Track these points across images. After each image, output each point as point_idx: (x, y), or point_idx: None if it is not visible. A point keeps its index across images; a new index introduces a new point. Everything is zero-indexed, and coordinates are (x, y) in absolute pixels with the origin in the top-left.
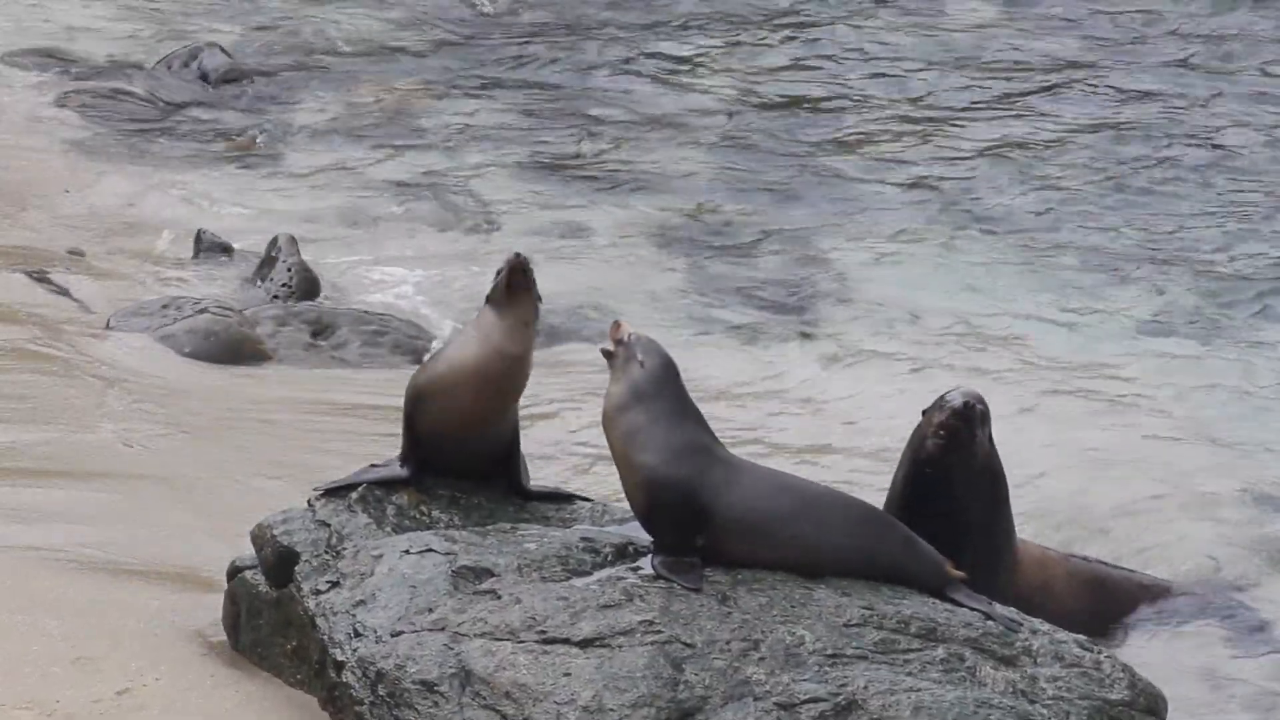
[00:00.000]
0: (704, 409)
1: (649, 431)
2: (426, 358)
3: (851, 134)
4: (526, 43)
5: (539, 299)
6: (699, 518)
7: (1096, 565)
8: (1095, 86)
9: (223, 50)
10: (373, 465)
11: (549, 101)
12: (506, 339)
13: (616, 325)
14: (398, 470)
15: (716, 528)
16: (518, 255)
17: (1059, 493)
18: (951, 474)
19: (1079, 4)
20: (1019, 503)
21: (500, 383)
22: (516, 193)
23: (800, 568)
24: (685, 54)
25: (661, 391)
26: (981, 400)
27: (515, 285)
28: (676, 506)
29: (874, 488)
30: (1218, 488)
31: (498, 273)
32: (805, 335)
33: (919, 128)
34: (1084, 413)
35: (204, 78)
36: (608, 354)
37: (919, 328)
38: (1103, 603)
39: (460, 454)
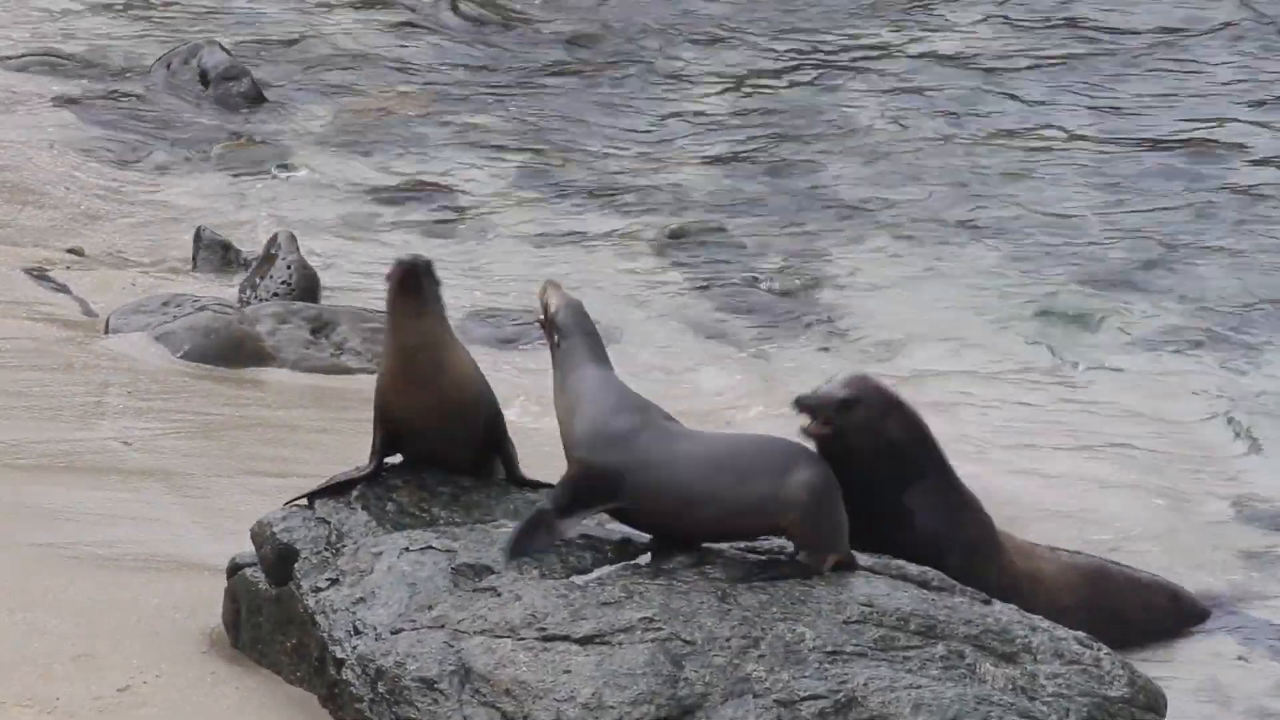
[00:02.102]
0: (701, 421)
1: (574, 418)
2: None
3: (848, 142)
4: (525, 51)
5: (436, 286)
6: (614, 498)
7: (1094, 558)
8: (1089, 92)
9: (223, 48)
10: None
11: (547, 109)
12: (401, 333)
13: (542, 290)
14: (361, 468)
15: (641, 500)
16: (399, 263)
17: (1047, 502)
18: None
19: (1072, 8)
20: (1017, 513)
21: (414, 372)
22: (514, 200)
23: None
24: (683, 63)
25: (578, 369)
26: (801, 397)
27: (404, 287)
28: (598, 492)
29: None
30: (1211, 498)
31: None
32: (803, 344)
33: (915, 136)
34: (1076, 421)
35: (203, 76)
36: (543, 327)
37: (916, 338)
38: (1100, 597)
39: (444, 443)
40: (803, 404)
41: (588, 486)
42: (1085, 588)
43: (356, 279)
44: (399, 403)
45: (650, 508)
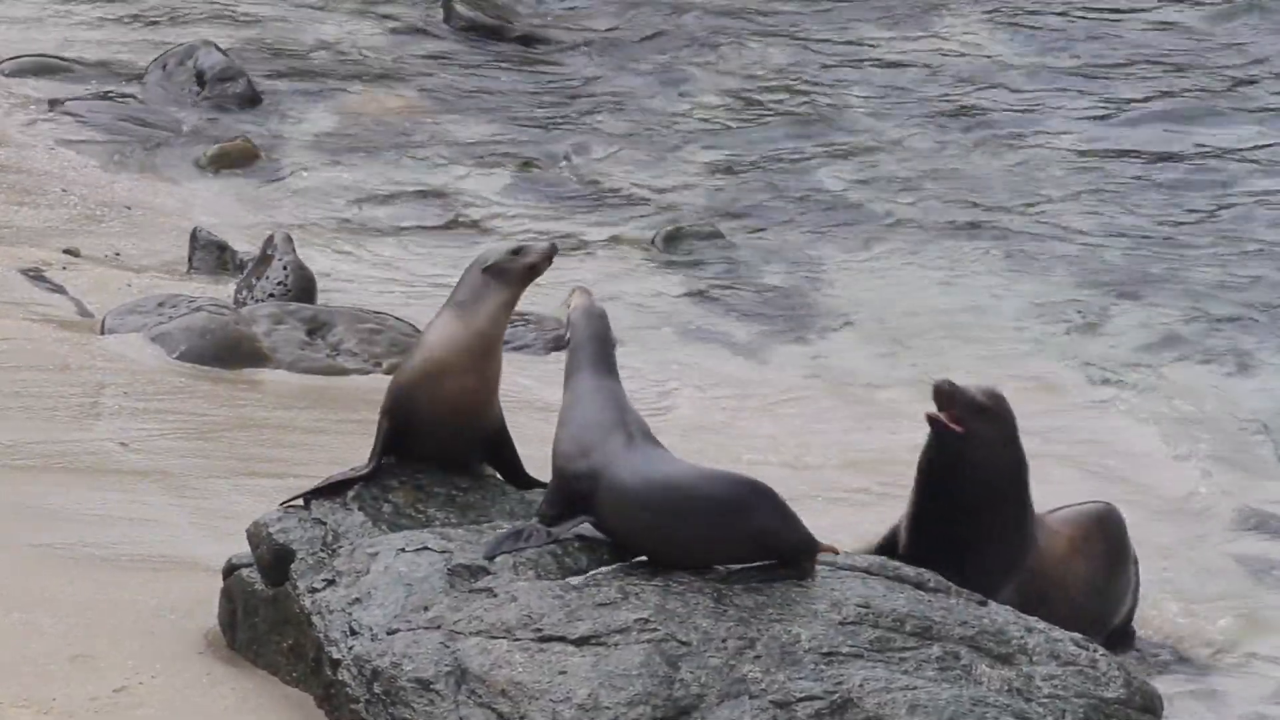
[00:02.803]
0: (697, 423)
1: (559, 425)
2: (403, 359)
3: (844, 146)
4: (520, 54)
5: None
6: (586, 511)
7: (1088, 513)
8: (1088, 99)
9: (218, 49)
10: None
11: (542, 112)
12: (488, 322)
13: (570, 295)
14: (358, 468)
15: (606, 519)
16: (553, 245)
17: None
18: (957, 465)
19: (1072, 17)
20: None
21: (481, 363)
22: (509, 202)
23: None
24: (680, 68)
25: (575, 375)
26: (949, 383)
27: (537, 271)
28: (573, 503)
29: (866, 504)
30: (1212, 502)
31: (517, 251)
32: (800, 347)
33: (912, 140)
34: (1079, 430)
35: (199, 77)
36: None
37: (912, 342)
38: (1106, 542)
39: (456, 443)
40: (943, 391)
41: (564, 496)
42: (1097, 545)
43: (351, 283)
44: (441, 390)
45: (614, 526)
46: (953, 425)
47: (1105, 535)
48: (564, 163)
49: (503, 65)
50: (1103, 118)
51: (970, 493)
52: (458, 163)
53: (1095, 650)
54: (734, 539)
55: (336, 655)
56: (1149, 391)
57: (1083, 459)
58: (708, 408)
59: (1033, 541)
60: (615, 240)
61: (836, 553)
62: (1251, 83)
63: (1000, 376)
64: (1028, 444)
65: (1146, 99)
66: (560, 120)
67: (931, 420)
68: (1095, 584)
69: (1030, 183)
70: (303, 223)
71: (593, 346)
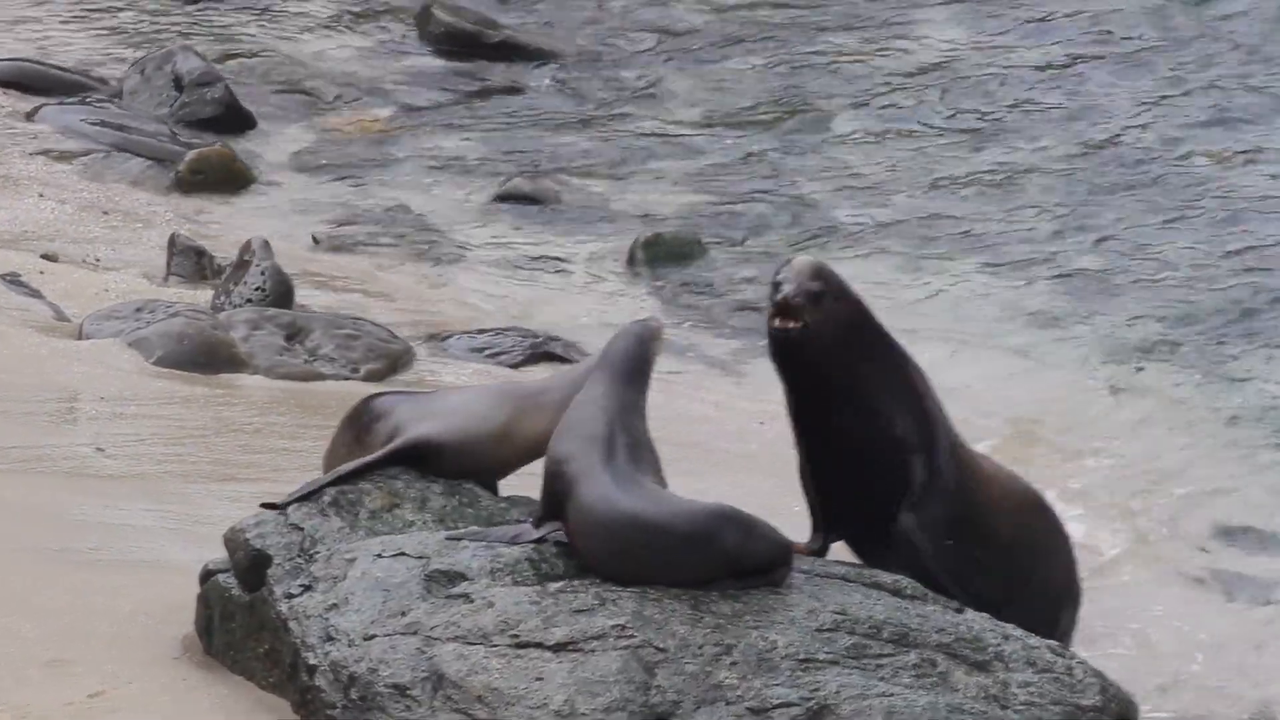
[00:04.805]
0: (680, 436)
1: (564, 417)
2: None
3: (822, 157)
4: (497, 67)
5: None
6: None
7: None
8: (1068, 106)
9: (196, 54)
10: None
11: (520, 130)
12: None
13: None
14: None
15: (573, 536)
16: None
17: None
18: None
19: (1050, 25)
20: None
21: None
22: (487, 219)
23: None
24: (655, 76)
25: (590, 381)
26: (815, 274)
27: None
28: (555, 505)
29: None
30: (1191, 516)
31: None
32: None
33: (889, 150)
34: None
35: (177, 82)
36: None
37: None
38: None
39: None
40: (784, 306)
41: (549, 496)
42: (1024, 514)
43: (326, 292)
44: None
45: (580, 546)
46: (789, 324)
47: (1040, 503)
48: (542, 177)
49: (480, 79)
50: (1079, 118)
51: (840, 367)
52: (434, 179)
53: (1071, 658)
54: (703, 566)
55: (313, 661)
56: (1123, 393)
57: (1060, 460)
58: (693, 422)
59: (944, 421)
60: (593, 254)
61: (802, 551)
62: (1219, 82)
63: (978, 379)
64: (1004, 446)
65: (1122, 96)
66: (537, 134)
67: (780, 335)
68: (1026, 531)
69: (1007, 187)
70: (279, 233)
71: (625, 363)
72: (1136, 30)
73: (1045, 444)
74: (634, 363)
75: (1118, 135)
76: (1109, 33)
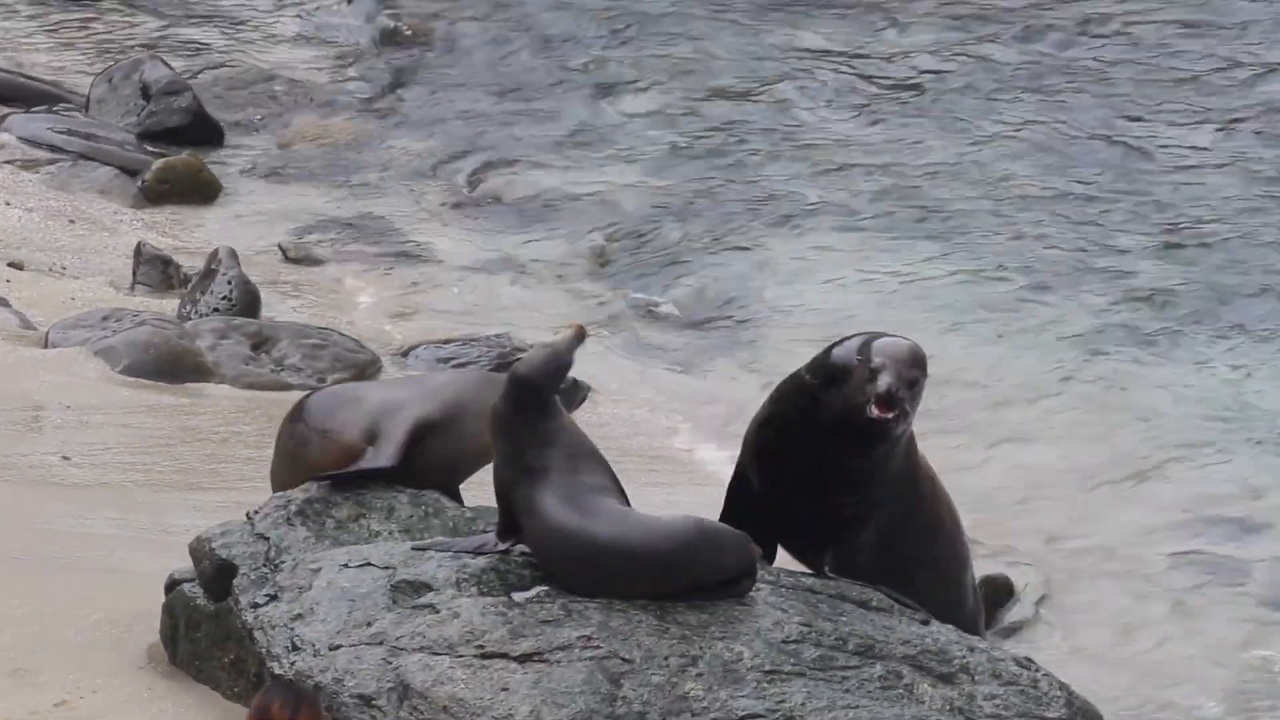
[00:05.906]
0: (640, 439)
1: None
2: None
3: (788, 150)
4: (460, 74)
5: None
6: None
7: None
8: (1037, 98)
9: (164, 63)
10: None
11: (481, 132)
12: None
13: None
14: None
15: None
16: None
17: (995, 508)
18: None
19: (1019, 19)
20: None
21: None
22: (451, 223)
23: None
24: (619, 74)
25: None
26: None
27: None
28: (511, 519)
29: None
30: (1157, 505)
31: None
32: (744, 357)
33: (855, 142)
34: (1019, 429)
35: (145, 91)
36: None
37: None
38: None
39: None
40: (889, 398)
41: (504, 515)
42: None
43: (293, 302)
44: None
45: (538, 556)
46: (889, 414)
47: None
48: (505, 173)
49: (438, 80)
50: (1048, 112)
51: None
52: (400, 185)
53: (1037, 670)
54: (670, 584)
55: (278, 670)
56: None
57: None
58: (658, 421)
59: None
60: (554, 257)
61: (760, 553)
62: (1193, 78)
63: (947, 372)
64: (972, 438)
65: (1088, 93)
66: (502, 140)
67: (879, 422)
68: (956, 529)
69: (976, 179)
70: (244, 244)
71: (523, 395)
72: (1102, 21)
73: (1003, 427)
74: (533, 394)
75: (1083, 125)
76: (1086, 22)
